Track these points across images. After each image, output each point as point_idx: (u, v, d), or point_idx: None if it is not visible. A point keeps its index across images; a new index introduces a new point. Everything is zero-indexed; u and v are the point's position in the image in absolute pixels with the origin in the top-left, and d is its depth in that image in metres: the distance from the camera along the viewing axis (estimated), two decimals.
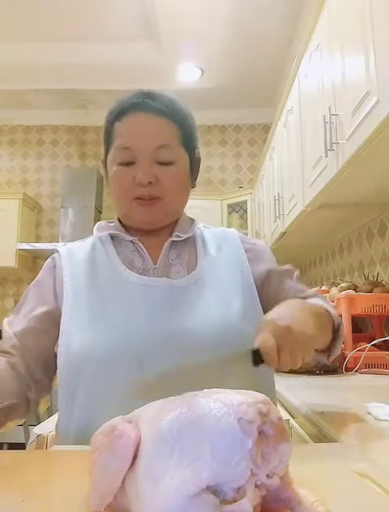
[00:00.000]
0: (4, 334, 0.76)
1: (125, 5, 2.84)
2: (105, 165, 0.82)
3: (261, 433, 0.32)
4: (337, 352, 0.79)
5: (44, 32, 3.12)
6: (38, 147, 4.49)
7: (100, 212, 4.26)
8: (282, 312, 0.62)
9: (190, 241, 0.84)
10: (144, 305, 0.72)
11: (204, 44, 3.23)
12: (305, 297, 0.82)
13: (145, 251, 0.79)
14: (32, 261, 4.22)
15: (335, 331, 0.77)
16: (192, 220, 0.88)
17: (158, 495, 0.30)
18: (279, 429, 0.33)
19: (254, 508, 0.31)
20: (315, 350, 0.71)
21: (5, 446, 2.69)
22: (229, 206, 3.97)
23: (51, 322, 0.75)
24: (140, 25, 3.05)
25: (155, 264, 0.78)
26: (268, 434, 0.32)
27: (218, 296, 0.76)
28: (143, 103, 0.76)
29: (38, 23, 3.03)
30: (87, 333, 0.70)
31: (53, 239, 4.24)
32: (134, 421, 0.36)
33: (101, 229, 0.85)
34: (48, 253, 3.93)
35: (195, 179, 0.86)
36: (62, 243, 3.82)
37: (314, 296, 0.84)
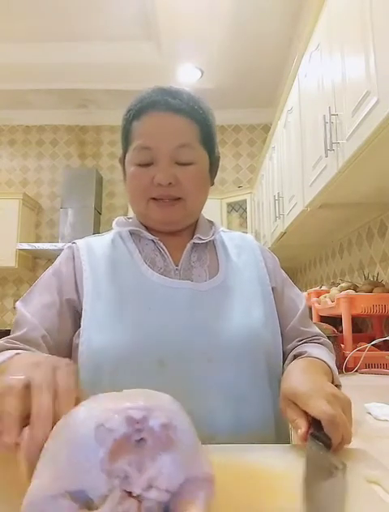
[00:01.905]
0: (25, 323, 0.71)
1: (125, 5, 2.84)
2: (123, 164, 0.80)
3: (141, 440, 0.31)
4: None
5: (44, 32, 3.12)
6: (38, 147, 4.49)
7: (100, 213, 4.26)
8: (309, 380, 0.58)
9: (211, 245, 0.83)
10: (166, 306, 0.71)
11: (204, 45, 3.24)
12: (307, 339, 0.80)
13: (166, 251, 0.78)
14: (32, 261, 4.22)
15: None
16: (211, 223, 0.87)
17: (29, 491, 0.30)
18: (158, 439, 0.31)
19: None
20: None
21: None
22: (229, 205, 3.98)
23: (71, 314, 0.73)
24: (140, 25, 3.05)
25: (176, 265, 0.77)
26: (146, 442, 0.31)
27: (240, 301, 0.75)
28: (163, 101, 0.73)
29: (38, 23, 3.03)
30: (106, 332, 0.69)
31: (53, 239, 4.24)
32: None
33: (121, 225, 0.83)
34: (48, 253, 3.95)
35: (214, 177, 0.84)
36: (62, 243, 3.84)
37: (316, 338, 0.82)
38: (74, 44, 3.25)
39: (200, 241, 0.79)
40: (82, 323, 0.71)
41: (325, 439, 0.49)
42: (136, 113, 0.75)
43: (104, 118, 4.35)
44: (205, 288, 0.75)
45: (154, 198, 0.74)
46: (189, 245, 0.78)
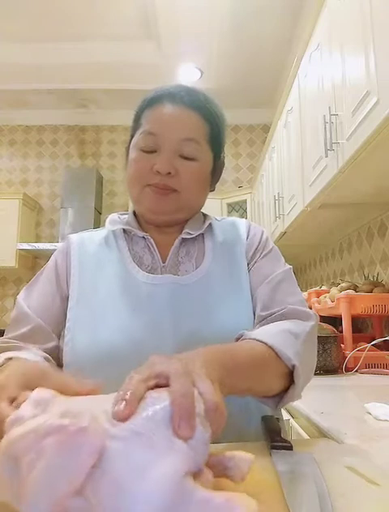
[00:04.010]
0: (28, 320, 0.72)
1: (125, 5, 2.84)
2: (128, 150, 0.79)
3: None
4: (290, 400, 0.60)
5: (44, 32, 3.12)
6: (38, 147, 4.49)
7: (100, 213, 4.26)
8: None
9: (201, 237, 0.81)
10: (148, 304, 0.70)
11: (204, 45, 3.24)
12: (273, 313, 0.69)
13: (155, 249, 0.76)
14: (32, 261, 4.22)
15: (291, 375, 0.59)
16: (205, 216, 0.85)
17: (147, 485, 0.30)
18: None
19: None
20: (257, 396, 0.59)
21: None
22: (229, 205, 3.97)
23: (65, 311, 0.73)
24: (140, 25, 3.05)
25: (163, 262, 0.76)
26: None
27: (223, 292, 0.73)
28: (178, 95, 0.73)
29: (38, 23, 3.03)
30: (90, 332, 0.69)
31: (53, 239, 4.24)
32: (72, 417, 0.34)
33: (114, 223, 0.82)
34: (48, 253, 3.94)
35: (216, 182, 0.83)
36: (62, 243, 3.83)
37: (281, 315, 0.68)
38: (74, 44, 3.25)
39: (189, 236, 0.77)
40: (67, 323, 0.71)
41: (284, 444, 0.51)
42: (150, 101, 0.75)
43: (105, 118, 4.35)
44: (188, 280, 0.73)
45: (149, 185, 0.73)
46: (177, 241, 0.77)
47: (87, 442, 0.31)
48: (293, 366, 0.58)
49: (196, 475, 0.34)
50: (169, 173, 0.71)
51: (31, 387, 0.42)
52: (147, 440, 0.33)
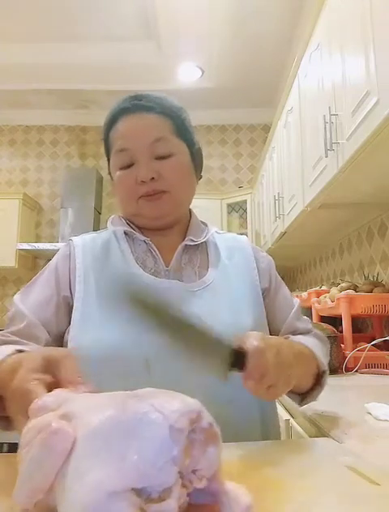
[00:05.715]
0: (23, 317, 0.73)
1: (125, 5, 2.84)
2: (111, 175, 0.83)
3: (191, 438, 0.34)
4: (313, 400, 0.75)
5: (44, 32, 3.12)
6: (38, 147, 4.49)
7: (100, 213, 4.26)
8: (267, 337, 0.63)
9: (202, 246, 0.83)
10: None
11: (204, 44, 3.23)
12: (299, 332, 0.83)
13: (157, 253, 0.79)
14: (32, 261, 4.22)
15: (319, 378, 0.74)
16: (205, 225, 0.88)
17: (80, 490, 0.30)
18: (209, 435, 0.35)
19: (180, 506, 0.33)
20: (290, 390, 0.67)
21: (5, 446, 2.69)
22: (229, 205, 3.97)
23: (67, 310, 0.75)
24: (140, 25, 3.05)
25: (166, 266, 0.78)
26: (198, 439, 0.34)
27: (228, 303, 0.76)
28: (132, 106, 0.76)
29: (38, 23, 3.03)
30: (95, 330, 0.70)
31: (53, 239, 4.24)
32: (68, 418, 0.36)
33: (116, 224, 0.84)
34: (48, 253, 3.94)
35: (200, 171, 0.85)
36: (62, 243, 3.82)
37: (308, 332, 0.84)
38: (74, 44, 3.25)
39: (192, 243, 0.80)
40: (71, 321, 0.72)
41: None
42: (110, 123, 0.79)
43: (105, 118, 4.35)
44: (194, 288, 0.75)
45: (142, 196, 0.76)
46: (180, 247, 0.79)
47: (60, 442, 0.33)
48: (324, 371, 0.73)
49: (158, 497, 0.31)
50: (153, 178, 0.74)
51: (51, 372, 0.47)
52: (103, 444, 0.32)
